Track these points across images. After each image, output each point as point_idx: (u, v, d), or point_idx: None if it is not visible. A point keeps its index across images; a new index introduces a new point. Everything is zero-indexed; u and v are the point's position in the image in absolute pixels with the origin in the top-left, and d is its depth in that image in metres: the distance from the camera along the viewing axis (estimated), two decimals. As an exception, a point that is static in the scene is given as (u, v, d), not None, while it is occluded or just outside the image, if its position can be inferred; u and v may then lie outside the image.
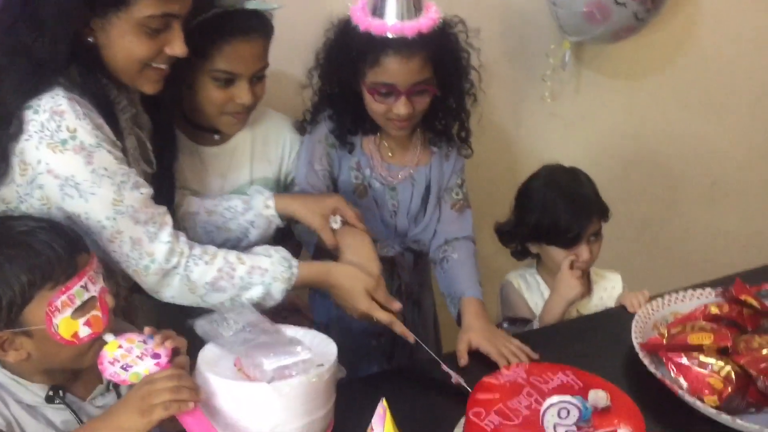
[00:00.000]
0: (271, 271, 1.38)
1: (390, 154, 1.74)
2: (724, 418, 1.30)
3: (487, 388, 1.26)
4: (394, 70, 1.55)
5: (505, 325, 1.80)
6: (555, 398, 1.11)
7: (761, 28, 2.55)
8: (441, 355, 1.50)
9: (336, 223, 1.52)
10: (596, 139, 2.48)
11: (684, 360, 1.39)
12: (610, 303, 1.83)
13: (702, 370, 1.37)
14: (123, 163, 1.27)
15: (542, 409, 1.12)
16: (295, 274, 1.41)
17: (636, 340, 1.48)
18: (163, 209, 1.34)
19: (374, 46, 1.54)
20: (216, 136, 1.64)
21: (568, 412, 1.11)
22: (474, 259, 1.74)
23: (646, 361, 1.43)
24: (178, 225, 1.43)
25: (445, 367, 1.40)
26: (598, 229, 1.76)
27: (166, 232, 1.32)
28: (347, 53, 1.59)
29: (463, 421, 1.28)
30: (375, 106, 1.62)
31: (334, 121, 1.70)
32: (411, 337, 1.46)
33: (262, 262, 1.39)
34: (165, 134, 1.49)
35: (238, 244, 1.54)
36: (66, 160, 1.21)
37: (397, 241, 1.76)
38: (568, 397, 1.12)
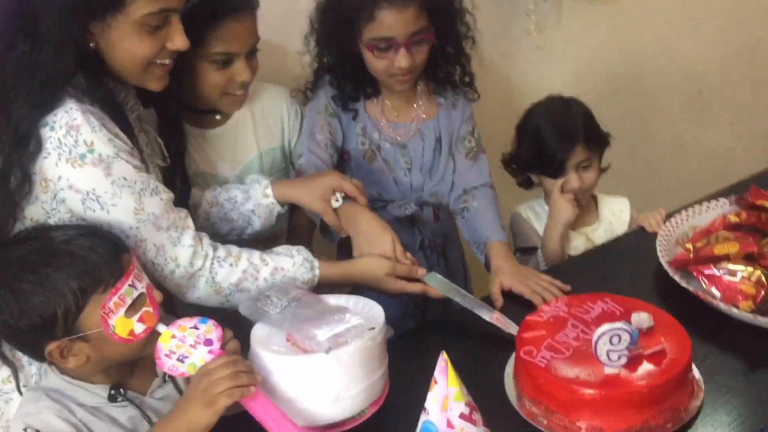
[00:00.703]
0: (293, 273, 1.39)
1: (396, 113, 1.73)
2: (761, 320, 1.33)
3: (532, 326, 1.29)
4: (390, 22, 1.54)
5: (518, 255, 1.83)
6: (606, 326, 1.14)
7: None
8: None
9: (337, 201, 1.50)
10: (583, 65, 2.48)
11: (714, 271, 1.43)
12: (620, 227, 1.86)
13: (732, 278, 1.40)
14: (141, 170, 1.27)
15: (594, 338, 1.14)
16: (317, 275, 1.42)
17: (663, 259, 1.51)
18: (184, 213, 1.34)
19: (367, 2, 1.53)
20: (217, 117, 1.64)
21: (620, 338, 1.13)
22: (494, 204, 1.75)
23: (676, 277, 1.46)
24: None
25: (487, 317, 1.41)
26: (586, 157, 1.76)
27: (189, 236, 1.32)
28: (341, 13, 1.58)
29: (512, 358, 1.31)
30: (376, 62, 1.61)
31: (335, 87, 1.69)
32: (441, 296, 1.47)
33: (284, 263, 1.39)
34: (172, 127, 1.48)
35: (243, 232, 1.55)
36: (86, 173, 1.21)
37: (414, 198, 1.76)
38: (618, 324, 1.14)
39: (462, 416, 1.05)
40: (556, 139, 1.76)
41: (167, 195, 1.31)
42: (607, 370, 1.15)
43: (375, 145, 1.72)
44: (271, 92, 1.73)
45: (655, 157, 2.80)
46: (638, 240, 1.72)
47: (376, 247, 1.47)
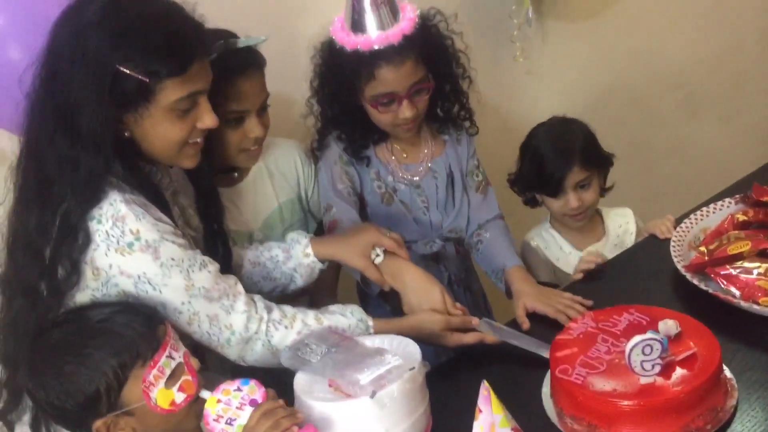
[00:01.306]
0: (348, 332, 1.41)
1: (405, 155, 1.77)
2: (783, 315, 1.37)
3: (563, 345, 1.32)
4: (390, 79, 1.59)
5: None
6: (637, 338, 1.17)
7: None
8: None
9: (378, 257, 1.53)
10: (572, 83, 2.54)
11: (730, 271, 1.46)
12: (628, 239, 1.89)
13: (749, 276, 1.44)
14: (187, 247, 1.31)
15: (627, 350, 1.18)
16: (372, 334, 1.44)
17: (679, 264, 1.55)
18: (233, 280, 1.38)
19: (365, 62, 1.58)
20: (235, 174, 1.69)
21: (652, 348, 1.17)
22: (506, 233, 1.79)
23: (695, 281, 1.50)
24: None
25: (545, 354, 1.38)
26: (584, 177, 1.79)
27: (242, 302, 1.36)
28: (341, 75, 1.63)
29: (547, 378, 1.34)
30: (381, 117, 1.66)
31: (344, 141, 1.73)
32: (496, 340, 1.48)
33: (339, 322, 1.42)
34: (209, 196, 1.51)
35: (286, 289, 1.59)
36: (135, 260, 1.25)
37: (436, 235, 1.79)
38: (648, 334, 1.18)
39: (510, 441, 1.08)
40: (553, 159, 1.79)
41: (214, 266, 1.35)
42: (643, 380, 1.19)
43: (391, 188, 1.76)
44: (283, 145, 1.79)
45: (654, 163, 2.84)
46: (651, 248, 1.76)
47: (427, 301, 1.50)
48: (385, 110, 1.64)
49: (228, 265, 1.46)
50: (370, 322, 1.45)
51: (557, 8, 2.40)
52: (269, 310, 1.38)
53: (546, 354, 1.36)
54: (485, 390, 1.10)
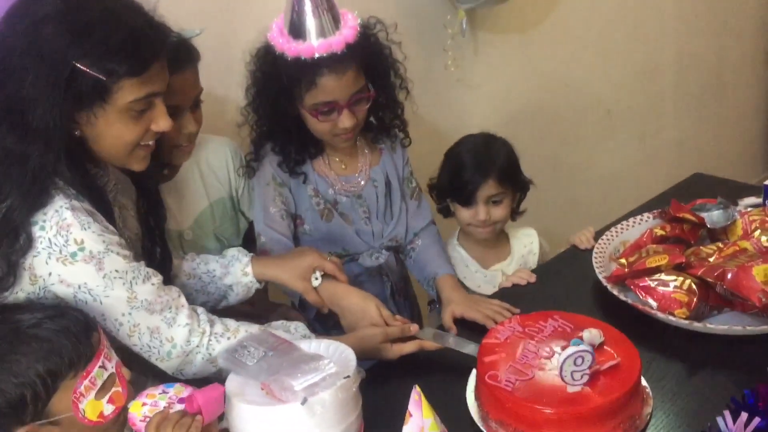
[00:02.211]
0: None
1: (343, 166, 1.76)
2: (697, 326, 1.45)
3: (491, 349, 1.34)
4: (331, 87, 1.57)
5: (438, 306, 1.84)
6: (570, 350, 1.20)
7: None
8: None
9: (317, 280, 1.54)
10: (500, 94, 2.61)
11: (648, 283, 1.52)
12: (531, 260, 1.93)
13: (666, 288, 1.50)
14: (131, 259, 1.28)
15: (560, 361, 1.21)
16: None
17: (601, 275, 1.61)
18: (176, 293, 1.34)
19: (307, 70, 1.55)
20: (165, 171, 1.65)
21: (583, 359, 1.21)
22: (438, 239, 1.82)
23: (615, 291, 1.56)
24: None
25: (474, 352, 1.41)
26: (497, 193, 1.81)
27: (184, 315, 1.33)
28: (279, 82, 1.59)
29: (471, 379, 1.37)
30: (319, 126, 1.63)
31: (279, 154, 1.70)
32: (437, 346, 1.49)
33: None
34: (151, 199, 1.48)
35: (217, 304, 1.56)
36: (77, 270, 1.21)
37: (377, 244, 1.79)
38: (581, 346, 1.21)
39: (438, 445, 1.10)
40: (471, 169, 1.82)
41: (158, 278, 1.32)
42: (570, 389, 1.22)
43: (331, 202, 1.74)
44: (214, 143, 1.76)
45: (572, 177, 2.94)
46: (572, 258, 1.83)
47: (363, 319, 1.51)
48: (324, 119, 1.62)
49: (167, 271, 1.43)
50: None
51: (490, 21, 2.45)
52: (212, 324, 1.36)
53: (476, 352, 1.38)
54: (416, 394, 1.11)
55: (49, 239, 1.19)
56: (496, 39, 2.51)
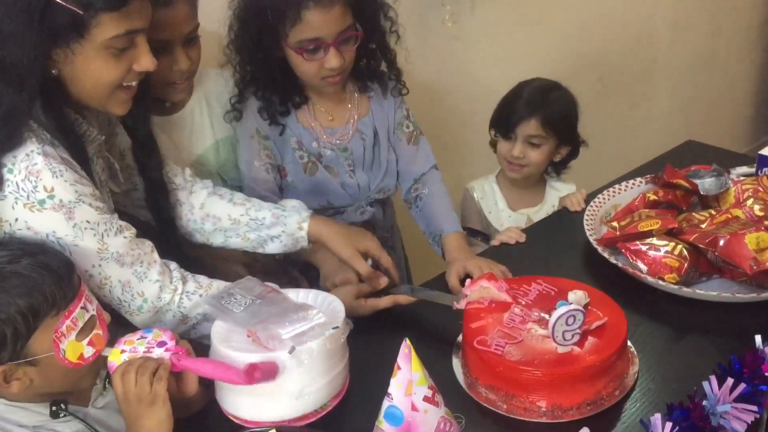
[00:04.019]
0: None
1: (330, 117, 1.71)
2: (686, 291, 1.44)
3: (476, 315, 1.32)
4: (317, 22, 1.52)
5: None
6: (562, 309, 1.19)
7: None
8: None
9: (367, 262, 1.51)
10: (496, 54, 2.56)
11: (639, 247, 1.52)
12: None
13: (657, 253, 1.50)
14: (105, 211, 1.23)
15: (552, 321, 1.20)
16: None
17: (592, 237, 1.60)
18: (149, 247, 1.31)
19: (292, 3, 1.50)
20: (167, 104, 1.61)
21: (575, 318, 1.20)
22: (443, 188, 1.78)
23: (605, 254, 1.55)
24: (183, 225, 1.45)
25: (453, 304, 1.39)
26: (537, 134, 1.84)
27: (155, 270, 1.29)
28: (264, 17, 1.54)
29: (457, 345, 1.36)
30: (305, 66, 1.58)
31: (261, 99, 1.65)
32: (411, 299, 1.48)
33: None
34: (146, 146, 1.42)
35: (251, 250, 1.53)
36: (45, 217, 1.17)
37: (364, 197, 1.76)
38: (572, 306, 1.20)
39: (425, 399, 1.09)
40: (522, 103, 1.86)
41: (131, 232, 1.28)
42: (560, 350, 1.21)
43: (315, 155, 1.70)
44: (220, 78, 1.70)
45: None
46: (564, 220, 1.82)
47: (336, 274, 1.51)
48: (310, 58, 1.56)
49: (167, 219, 1.39)
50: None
51: (489, -22, 2.40)
52: (184, 281, 1.33)
53: (454, 304, 1.37)
54: (406, 347, 1.09)
55: (17, 183, 1.15)
56: (495, -3, 2.45)
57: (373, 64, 1.72)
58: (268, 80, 1.63)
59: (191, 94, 1.64)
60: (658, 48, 3.09)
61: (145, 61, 1.23)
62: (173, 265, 1.34)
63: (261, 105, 1.65)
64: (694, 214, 1.62)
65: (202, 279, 1.36)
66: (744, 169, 1.82)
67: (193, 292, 1.32)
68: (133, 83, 1.26)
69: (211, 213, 1.49)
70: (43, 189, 1.15)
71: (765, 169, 1.76)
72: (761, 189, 1.63)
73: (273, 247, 1.51)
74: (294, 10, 1.51)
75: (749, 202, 1.59)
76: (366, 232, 1.57)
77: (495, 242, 1.76)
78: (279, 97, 1.65)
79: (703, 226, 1.56)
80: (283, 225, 1.49)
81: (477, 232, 1.91)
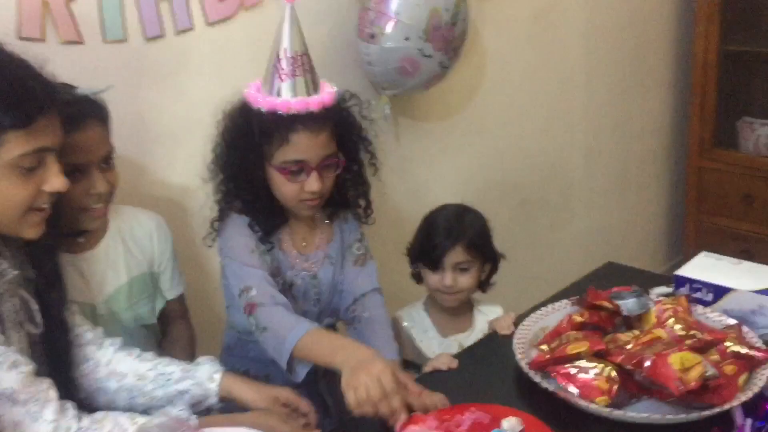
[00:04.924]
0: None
1: (304, 243, 1.72)
2: (617, 414, 1.44)
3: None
4: (304, 145, 1.56)
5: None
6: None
7: (530, 65, 2.92)
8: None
9: None
10: (416, 184, 2.64)
11: (569, 370, 1.53)
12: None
13: (587, 376, 1.50)
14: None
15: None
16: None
17: (523, 362, 1.60)
18: (46, 384, 1.24)
19: (282, 125, 1.55)
20: (80, 239, 1.57)
21: (509, 448, 1.18)
22: (384, 313, 1.77)
23: (537, 378, 1.55)
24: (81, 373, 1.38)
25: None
26: (465, 260, 1.87)
27: (51, 409, 1.22)
28: (251, 136, 1.57)
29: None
30: (286, 187, 1.60)
31: (249, 214, 1.64)
32: None
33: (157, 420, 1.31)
34: (50, 279, 1.35)
35: (155, 408, 1.43)
36: None
37: (322, 323, 1.73)
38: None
39: None
40: (442, 233, 1.87)
41: (28, 368, 1.21)
42: (495, 481, 1.19)
43: (287, 285, 1.68)
44: (143, 215, 1.71)
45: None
46: (494, 344, 1.81)
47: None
48: (292, 179, 1.59)
49: (66, 363, 1.33)
50: (193, 420, 1.33)
51: (411, 108, 2.51)
52: (79, 420, 1.25)
53: None
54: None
55: None
56: (416, 125, 2.56)
57: (347, 194, 1.75)
58: (254, 198, 1.64)
59: (106, 227, 1.62)
60: (574, 174, 3.24)
61: (55, 182, 1.21)
62: (70, 404, 1.27)
63: (250, 220, 1.64)
64: (619, 335, 1.65)
65: (97, 414, 1.28)
66: (663, 289, 1.88)
67: (87, 428, 1.25)
68: (45, 205, 1.22)
69: (117, 370, 1.43)
70: None
71: (682, 289, 1.82)
72: (680, 309, 1.68)
73: (181, 403, 1.42)
74: (283, 132, 1.55)
75: (670, 322, 1.64)
76: (279, 387, 1.52)
77: (427, 369, 1.74)
78: (263, 215, 1.66)
79: (629, 347, 1.58)
80: (192, 378, 1.44)
81: (410, 364, 1.88)
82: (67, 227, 1.50)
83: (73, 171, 1.44)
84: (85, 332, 1.46)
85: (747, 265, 1.87)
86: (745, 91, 3.43)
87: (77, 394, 1.40)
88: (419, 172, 2.63)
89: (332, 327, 1.82)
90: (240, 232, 1.64)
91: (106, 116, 1.54)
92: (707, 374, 1.43)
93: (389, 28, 2.14)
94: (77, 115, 1.44)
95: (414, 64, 2.20)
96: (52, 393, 1.24)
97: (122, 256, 1.64)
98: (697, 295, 1.80)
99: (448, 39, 2.23)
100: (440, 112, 2.61)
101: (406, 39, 2.14)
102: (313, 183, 1.59)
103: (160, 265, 1.72)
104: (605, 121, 3.31)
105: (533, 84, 2.95)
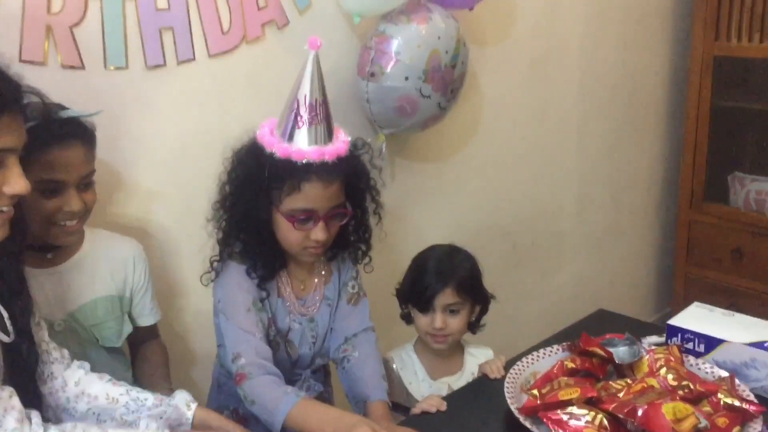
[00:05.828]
0: None
1: (302, 287, 1.71)
2: (608, 463, 1.42)
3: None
4: (315, 195, 1.54)
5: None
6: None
7: (526, 111, 2.94)
8: None
9: None
10: (411, 222, 2.63)
11: (561, 416, 1.50)
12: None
13: (578, 422, 1.48)
14: None
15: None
16: None
17: (513, 406, 1.57)
18: (7, 392, 1.20)
19: (294, 173, 1.53)
20: (48, 255, 1.55)
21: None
22: (375, 352, 1.75)
23: (527, 423, 1.52)
24: (50, 386, 1.34)
25: None
26: (455, 302, 1.84)
27: (12, 418, 1.18)
28: (261, 180, 1.55)
29: None
30: (292, 234, 1.59)
31: (247, 258, 1.62)
32: None
33: None
34: (14, 288, 1.31)
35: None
36: None
37: (316, 365, 1.72)
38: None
39: None
40: (432, 275, 1.84)
41: None
42: None
43: (283, 332, 1.67)
44: (123, 242, 1.70)
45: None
46: (484, 388, 1.79)
47: None
48: (299, 227, 1.57)
49: (33, 373, 1.30)
50: None
51: (408, 147, 2.52)
52: (45, 429, 1.21)
53: None
54: None
55: None
56: (413, 165, 2.56)
57: (347, 238, 1.74)
58: (257, 241, 1.61)
59: (79, 247, 1.61)
60: (566, 221, 3.26)
61: (18, 184, 1.17)
62: (34, 413, 1.23)
63: (248, 266, 1.62)
64: (611, 382, 1.63)
65: (66, 425, 1.24)
66: (654, 338, 1.87)
67: None
68: (5, 208, 1.19)
69: (87, 391, 1.40)
70: None
71: (674, 339, 1.81)
72: (673, 359, 1.67)
73: (153, 427, 1.38)
74: (295, 180, 1.53)
75: (662, 371, 1.62)
76: None
77: (416, 410, 1.71)
78: (263, 260, 1.63)
79: (621, 395, 1.57)
80: (168, 405, 1.40)
81: (399, 406, 1.85)
82: (36, 239, 1.49)
83: (52, 188, 1.45)
84: (53, 350, 1.42)
85: (738, 317, 1.87)
86: (736, 147, 3.48)
87: (44, 412, 1.35)
88: (413, 211, 2.63)
89: (324, 368, 1.79)
90: (239, 285, 1.62)
91: (91, 138, 1.55)
92: (700, 426, 1.42)
93: (389, 67, 2.16)
94: (61, 134, 1.46)
95: (413, 103, 2.21)
96: (15, 401, 1.20)
97: (90, 276, 1.62)
98: (689, 345, 1.79)
99: (447, 81, 2.25)
100: (436, 153, 2.63)
101: (406, 79, 2.16)
102: (319, 233, 1.58)
103: (134, 292, 1.71)
104: (598, 170, 3.34)
105: (528, 130, 2.98)
